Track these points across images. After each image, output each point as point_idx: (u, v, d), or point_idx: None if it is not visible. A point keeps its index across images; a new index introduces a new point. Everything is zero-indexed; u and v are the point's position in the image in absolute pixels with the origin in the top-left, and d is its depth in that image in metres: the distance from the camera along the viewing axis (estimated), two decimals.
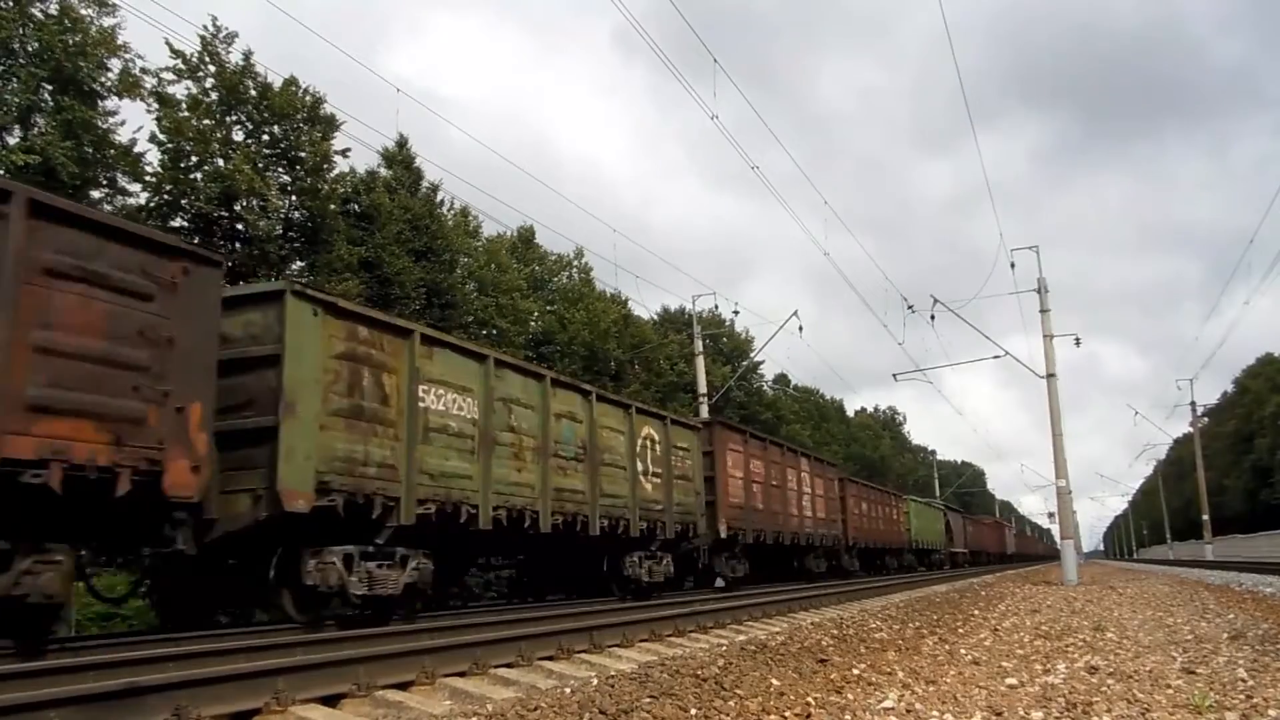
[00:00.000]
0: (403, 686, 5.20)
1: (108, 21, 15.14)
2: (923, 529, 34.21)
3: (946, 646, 7.55)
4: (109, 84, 15.17)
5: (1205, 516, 46.53)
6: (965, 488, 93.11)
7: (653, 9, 21.61)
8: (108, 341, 5.96)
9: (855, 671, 5.89)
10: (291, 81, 18.25)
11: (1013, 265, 24.19)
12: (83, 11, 14.77)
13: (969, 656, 6.78)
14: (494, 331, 24.04)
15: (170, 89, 16.85)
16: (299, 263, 19.20)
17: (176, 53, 16.84)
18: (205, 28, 17.18)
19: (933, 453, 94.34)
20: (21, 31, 13.95)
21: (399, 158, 22.80)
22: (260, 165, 17.72)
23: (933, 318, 24.71)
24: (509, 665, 6.01)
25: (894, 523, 30.38)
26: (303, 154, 18.46)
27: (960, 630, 9.16)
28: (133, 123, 16.18)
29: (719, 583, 16.82)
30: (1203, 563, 37.29)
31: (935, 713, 4.47)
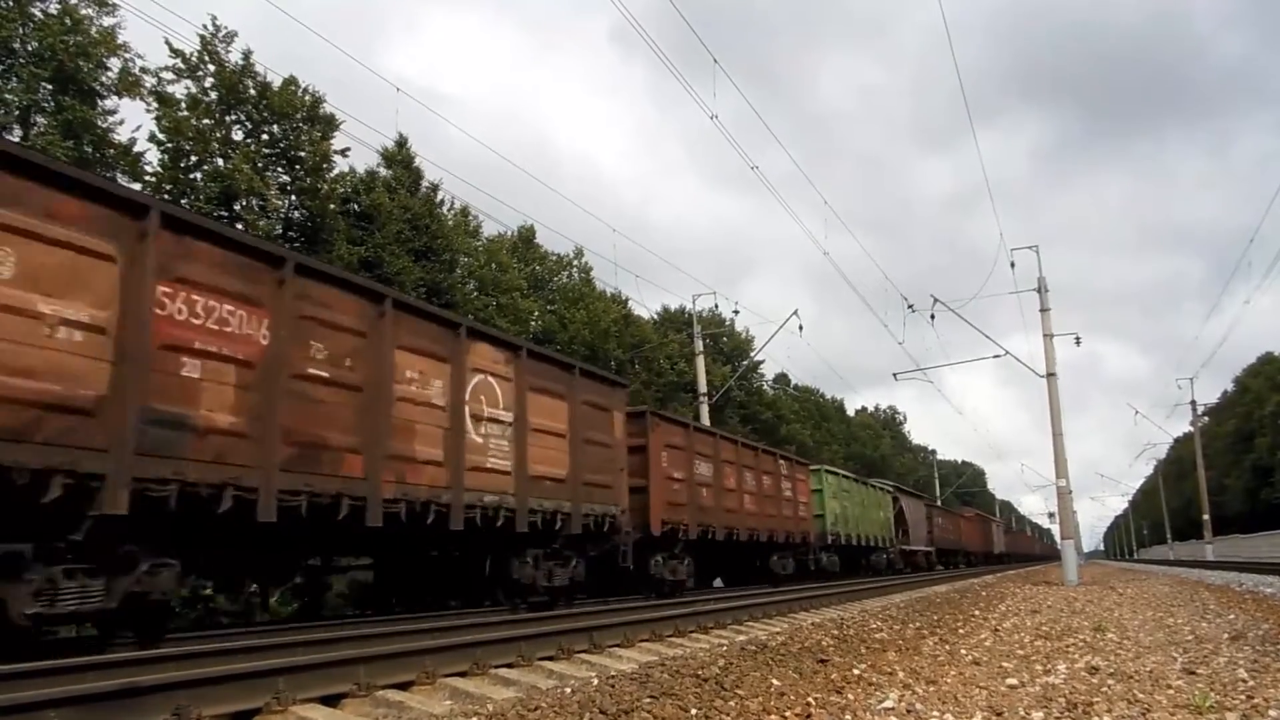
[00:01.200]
0: (403, 686, 5.20)
1: (108, 21, 15.17)
2: (850, 517, 24.51)
3: (947, 647, 7.55)
4: (109, 83, 15.19)
5: (1206, 516, 46.55)
6: (965, 487, 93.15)
7: (651, 7, 21.61)
8: None
9: (855, 672, 5.89)
10: (291, 81, 18.27)
11: (1013, 265, 24.21)
12: (83, 11, 14.79)
13: (969, 657, 6.77)
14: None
15: (170, 88, 16.89)
16: None
17: (176, 52, 16.86)
18: (205, 27, 17.21)
19: (933, 452, 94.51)
20: (22, 31, 13.97)
21: (399, 157, 22.81)
22: (260, 165, 17.73)
23: (933, 317, 24.73)
24: (509, 665, 6.01)
25: (785, 502, 19.70)
26: (302, 153, 18.48)
27: (960, 630, 9.16)
28: (132, 122, 16.21)
29: None
30: (1203, 563, 37.30)
31: (935, 713, 4.47)
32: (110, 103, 15.43)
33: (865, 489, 27.22)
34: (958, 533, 43.67)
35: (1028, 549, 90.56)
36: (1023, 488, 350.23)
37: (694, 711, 4.55)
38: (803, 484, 21.20)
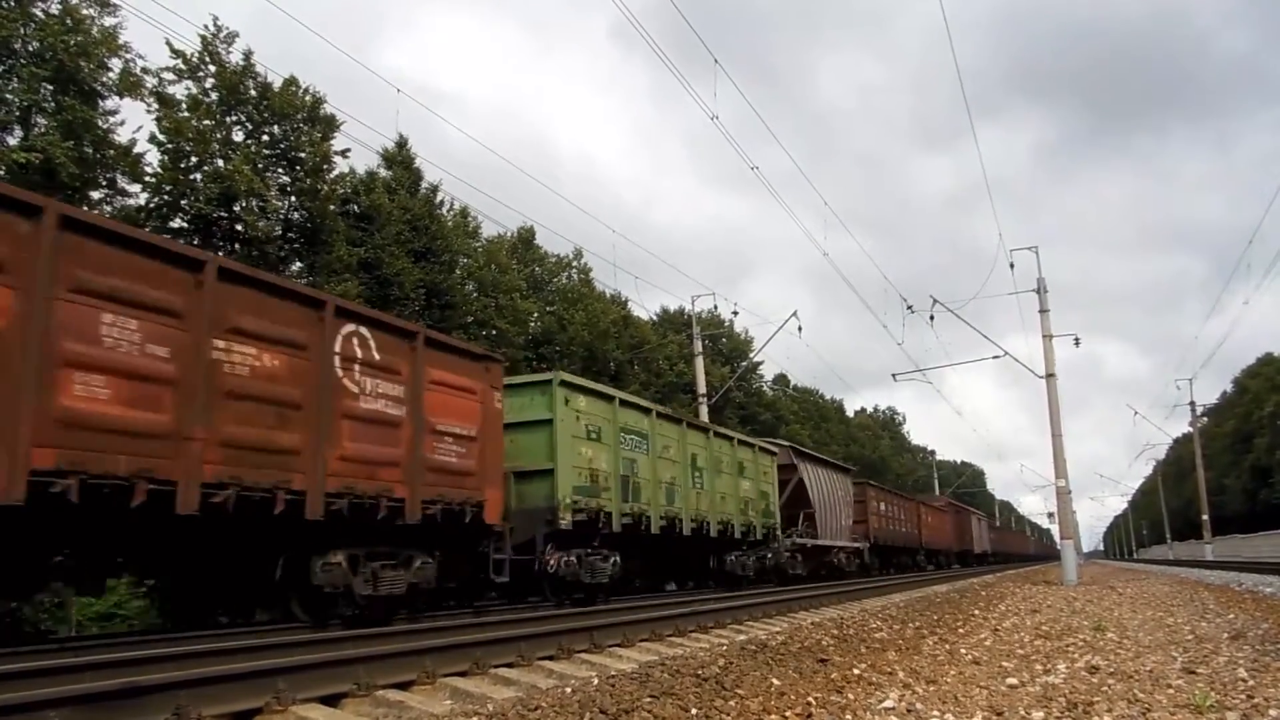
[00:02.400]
0: (403, 686, 5.20)
1: (109, 21, 15.17)
2: (654, 482, 13.70)
3: (947, 646, 7.56)
4: (110, 84, 15.18)
5: (1205, 516, 46.57)
6: (965, 488, 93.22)
7: (650, 4, 21.64)
8: None
9: (856, 671, 5.89)
10: (291, 81, 18.27)
11: (1012, 265, 24.24)
12: (84, 12, 14.78)
13: (969, 656, 6.78)
14: (494, 332, 24.06)
15: (170, 89, 16.89)
16: (298, 264, 19.21)
17: (177, 53, 16.86)
18: (206, 28, 17.22)
19: (932, 453, 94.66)
20: (23, 31, 13.97)
21: (398, 158, 22.83)
22: (260, 166, 17.73)
23: (932, 318, 24.70)
24: (509, 665, 6.01)
25: (393, 430, 8.59)
26: (302, 154, 18.48)
27: (960, 630, 9.17)
28: (132, 123, 16.21)
29: None
30: (1202, 563, 37.31)
31: (936, 713, 4.47)
32: (111, 103, 15.43)
33: (705, 438, 15.88)
34: (915, 525, 33.33)
35: (1020, 549, 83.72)
36: (1022, 488, 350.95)
37: (694, 711, 4.55)
38: (468, 402, 9.66)
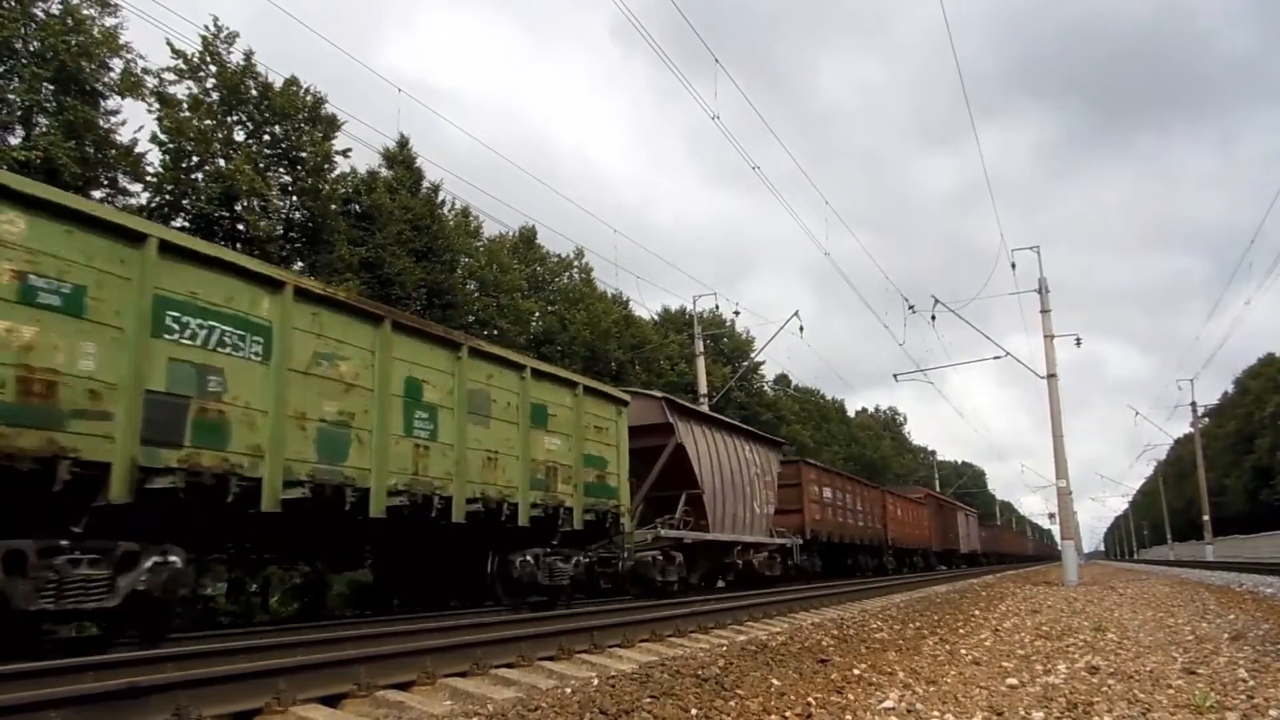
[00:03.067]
0: (403, 687, 5.20)
1: (109, 21, 15.19)
2: (237, 399, 6.74)
3: (947, 647, 7.56)
4: (111, 84, 15.21)
5: (1206, 517, 46.57)
6: (966, 488, 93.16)
7: (651, 4, 21.64)
8: None
9: (856, 672, 5.89)
10: (292, 81, 18.29)
11: (1013, 265, 24.25)
12: (85, 12, 14.81)
13: (969, 657, 6.78)
14: (495, 331, 24.07)
15: (171, 89, 16.91)
16: (300, 263, 19.22)
17: (178, 53, 16.89)
18: (206, 28, 17.25)
19: (933, 453, 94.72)
20: (24, 31, 13.99)
21: (399, 158, 22.84)
22: (261, 165, 17.75)
23: (933, 318, 24.71)
24: (509, 665, 6.01)
25: None
26: (304, 154, 18.50)
27: (961, 630, 9.17)
28: (134, 122, 16.24)
29: None
30: (1203, 563, 37.29)
31: (936, 713, 4.47)
32: (112, 103, 15.46)
33: (451, 358, 9.19)
34: (878, 518, 27.22)
35: (1018, 549, 77.96)
36: (1023, 488, 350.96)
37: (694, 711, 4.55)
38: None
